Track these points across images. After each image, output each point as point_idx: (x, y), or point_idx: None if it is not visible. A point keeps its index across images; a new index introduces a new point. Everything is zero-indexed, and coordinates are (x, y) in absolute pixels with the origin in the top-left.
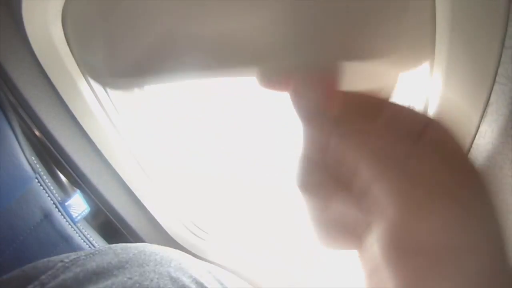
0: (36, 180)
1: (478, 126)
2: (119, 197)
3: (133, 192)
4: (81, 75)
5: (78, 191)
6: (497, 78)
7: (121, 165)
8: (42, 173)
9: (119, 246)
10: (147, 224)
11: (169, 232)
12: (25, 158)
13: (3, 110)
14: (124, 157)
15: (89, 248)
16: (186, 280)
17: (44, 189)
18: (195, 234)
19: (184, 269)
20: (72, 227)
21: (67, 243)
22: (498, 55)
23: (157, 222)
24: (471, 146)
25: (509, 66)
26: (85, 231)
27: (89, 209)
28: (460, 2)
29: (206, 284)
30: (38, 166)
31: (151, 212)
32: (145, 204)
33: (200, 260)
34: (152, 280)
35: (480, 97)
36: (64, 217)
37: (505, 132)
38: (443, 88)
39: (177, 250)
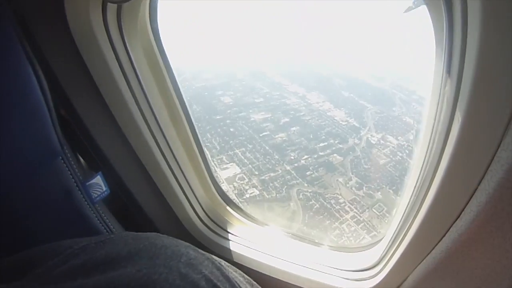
0: (61, 158)
1: (501, 138)
2: (138, 183)
3: (152, 180)
4: (114, 59)
5: (100, 173)
6: None
7: (145, 153)
8: (67, 151)
9: (130, 236)
10: (163, 214)
11: (184, 224)
12: (55, 133)
13: (40, 86)
14: (148, 145)
15: (105, 230)
16: (196, 277)
17: (67, 166)
18: (210, 228)
19: (194, 265)
20: (90, 207)
21: (84, 223)
22: None
23: (173, 212)
24: (493, 158)
25: None
26: (103, 213)
27: (108, 191)
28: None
29: (215, 281)
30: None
31: (169, 202)
32: (163, 193)
33: (211, 255)
34: (161, 275)
35: (505, 110)
36: (84, 197)
37: None
38: (470, 99)
39: (188, 245)
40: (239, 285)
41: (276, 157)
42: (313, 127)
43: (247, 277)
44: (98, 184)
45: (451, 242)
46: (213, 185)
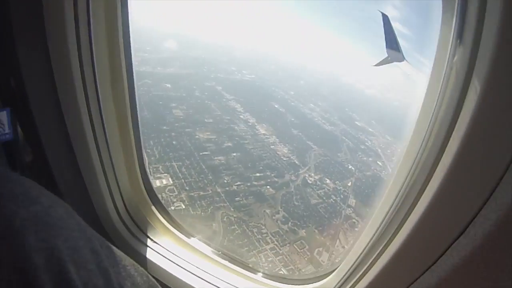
0: None
1: (510, 163)
2: (58, 152)
3: (74, 152)
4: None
5: (7, 109)
6: None
7: (72, 119)
8: None
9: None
10: (77, 197)
11: (99, 215)
12: None
13: None
14: (78, 110)
15: None
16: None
17: None
18: (127, 227)
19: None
20: None
21: None
22: None
23: (89, 198)
24: (500, 181)
25: None
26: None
27: (11, 136)
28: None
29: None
30: None
31: (86, 183)
32: (82, 171)
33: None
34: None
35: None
36: None
37: None
38: (476, 119)
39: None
40: None
41: (210, 177)
42: (254, 157)
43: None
44: (1, 122)
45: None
46: (142, 178)
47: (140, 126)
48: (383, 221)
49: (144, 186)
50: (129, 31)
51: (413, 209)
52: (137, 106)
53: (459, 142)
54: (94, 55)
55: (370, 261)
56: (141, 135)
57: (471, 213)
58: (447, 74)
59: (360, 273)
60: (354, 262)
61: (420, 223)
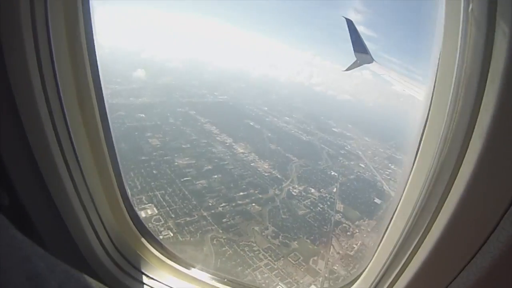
0: None
1: None
2: (32, 193)
3: (49, 191)
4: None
5: None
6: None
7: (43, 153)
8: None
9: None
10: (58, 236)
11: (83, 253)
12: None
13: None
14: (48, 145)
15: None
16: None
17: None
18: (116, 263)
19: None
20: None
21: None
22: None
23: (70, 236)
24: None
25: None
26: None
27: None
28: None
29: None
30: None
31: (65, 220)
32: (59, 209)
33: None
34: None
35: None
36: None
37: None
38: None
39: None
40: None
41: (194, 202)
42: (235, 176)
43: None
44: None
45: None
46: (127, 210)
47: (118, 158)
48: (407, 225)
49: (130, 218)
50: (97, 65)
51: (440, 209)
52: (113, 139)
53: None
54: (63, 99)
55: (403, 261)
56: (120, 166)
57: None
58: (456, 83)
59: (393, 275)
60: (384, 264)
61: (449, 226)
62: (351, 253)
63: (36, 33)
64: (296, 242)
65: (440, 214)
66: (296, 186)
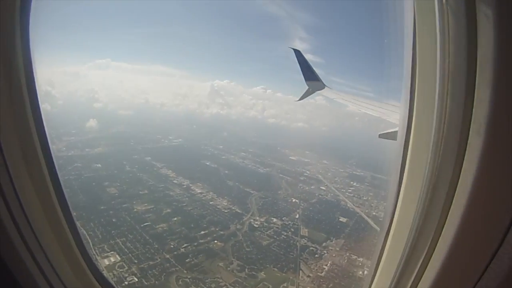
0: None
1: None
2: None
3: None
4: None
5: None
6: None
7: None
8: None
9: None
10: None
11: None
12: None
13: None
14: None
15: None
16: None
17: None
18: None
19: None
20: None
21: None
22: None
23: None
24: None
25: None
26: None
27: None
28: None
29: None
30: None
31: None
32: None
33: None
34: None
35: None
36: None
37: None
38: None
39: None
40: None
41: (156, 246)
42: (195, 216)
43: None
44: None
45: None
46: (90, 270)
47: (72, 214)
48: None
49: (95, 277)
50: (41, 117)
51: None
52: (67, 201)
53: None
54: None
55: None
56: (75, 221)
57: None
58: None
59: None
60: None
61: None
62: (322, 274)
63: None
64: (263, 272)
65: (448, 216)
66: (257, 218)
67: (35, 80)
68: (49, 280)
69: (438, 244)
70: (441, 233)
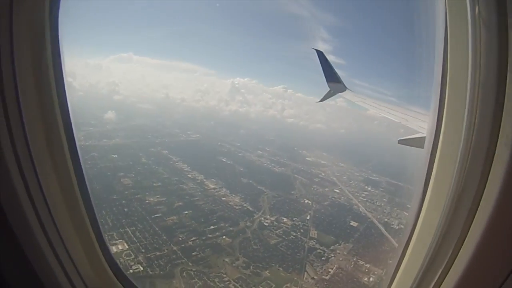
0: None
1: None
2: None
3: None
4: None
5: None
6: None
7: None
8: None
9: None
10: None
11: None
12: None
13: None
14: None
15: None
16: None
17: None
18: None
19: None
20: None
21: None
22: None
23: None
24: None
25: None
26: None
27: None
28: None
29: None
30: None
31: (37, 270)
32: (29, 257)
33: None
34: None
35: None
36: None
37: None
38: None
39: None
40: None
41: (164, 237)
42: (206, 211)
43: None
44: None
45: None
46: (106, 259)
47: (95, 209)
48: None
49: (110, 268)
50: (68, 108)
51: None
52: (88, 187)
53: None
54: (30, 145)
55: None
56: (97, 217)
57: None
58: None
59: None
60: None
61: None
62: (327, 277)
63: (2, 76)
64: (267, 271)
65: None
66: (268, 216)
67: (63, 72)
68: (69, 276)
69: (460, 253)
70: (463, 242)
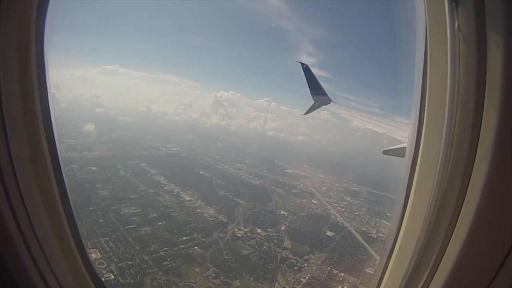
0: None
1: None
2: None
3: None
4: None
5: None
6: None
7: None
8: None
9: None
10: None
11: None
12: None
13: None
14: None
15: None
16: None
17: None
18: None
19: None
20: None
21: None
22: None
23: None
24: None
25: None
26: None
27: None
28: None
29: None
30: None
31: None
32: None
33: None
34: None
35: None
36: None
37: None
38: None
39: None
40: None
41: (137, 247)
42: (180, 222)
43: None
44: None
45: None
46: (86, 268)
47: (75, 216)
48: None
49: (90, 276)
50: (50, 118)
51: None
52: (71, 203)
53: None
54: (12, 155)
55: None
56: (77, 223)
57: None
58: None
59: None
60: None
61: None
62: (298, 287)
63: None
64: (238, 280)
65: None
66: (242, 227)
67: (47, 82)
68: (45, 279)
69: (443, 258)
70: (446, 248)
